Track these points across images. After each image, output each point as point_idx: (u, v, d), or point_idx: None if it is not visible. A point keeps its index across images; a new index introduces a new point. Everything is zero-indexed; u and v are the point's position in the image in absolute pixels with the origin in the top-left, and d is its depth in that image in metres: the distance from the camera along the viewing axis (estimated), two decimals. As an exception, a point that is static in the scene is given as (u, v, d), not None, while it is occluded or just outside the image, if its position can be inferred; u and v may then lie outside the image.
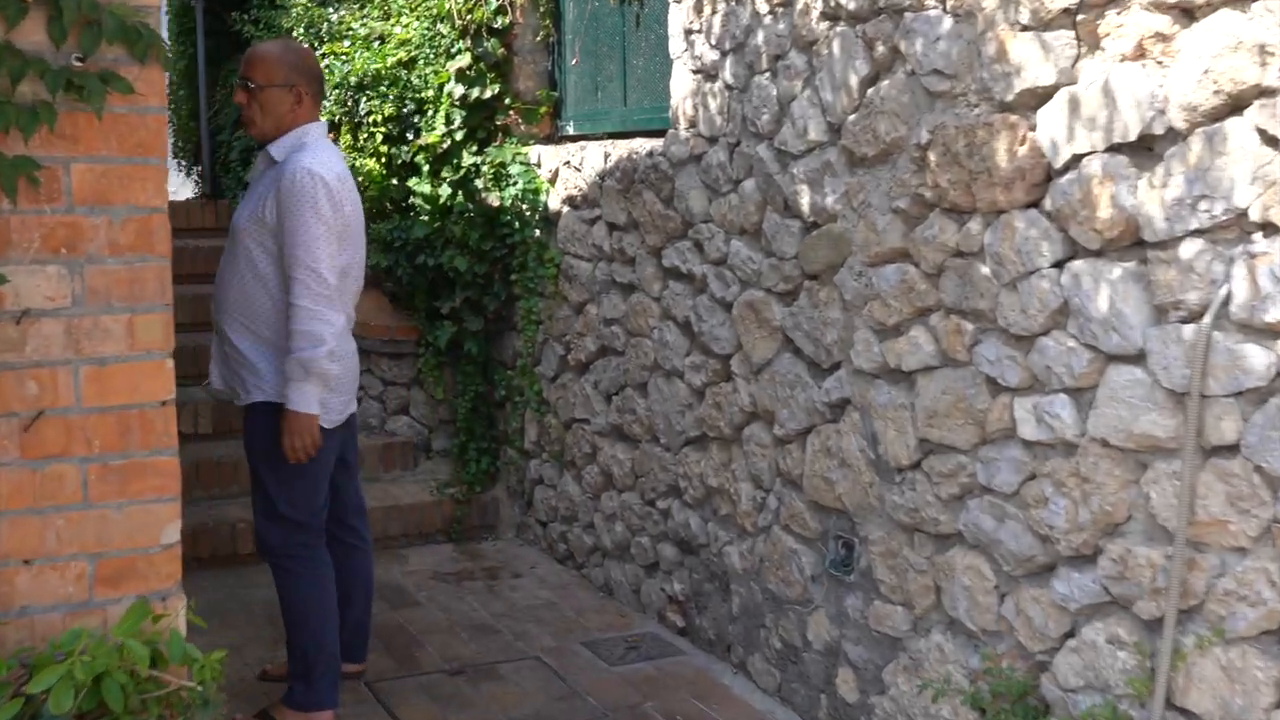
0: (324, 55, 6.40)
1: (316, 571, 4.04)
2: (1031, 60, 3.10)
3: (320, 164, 3.80)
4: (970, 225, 3.33)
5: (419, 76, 6.01)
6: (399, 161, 6.04)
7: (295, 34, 6.64)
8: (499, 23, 5.73)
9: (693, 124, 4.50)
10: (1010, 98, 3.17)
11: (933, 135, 3.40)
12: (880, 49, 3.59)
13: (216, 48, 7.83)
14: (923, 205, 3.49)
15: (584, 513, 5.46)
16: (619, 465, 5.15)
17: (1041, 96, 3.10)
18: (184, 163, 8.57)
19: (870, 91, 3.64)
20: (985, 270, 3.29)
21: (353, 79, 6.03)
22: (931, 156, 3.41)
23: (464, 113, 5.81)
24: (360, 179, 6.05)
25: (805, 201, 3.94)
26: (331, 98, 6.17)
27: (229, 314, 3.91)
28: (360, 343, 6.30)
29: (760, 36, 4.11)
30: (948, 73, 3.35)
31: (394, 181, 6.08)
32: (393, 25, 6.27)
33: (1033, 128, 3.12)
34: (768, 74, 4.09)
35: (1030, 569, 3.24)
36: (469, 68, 5.77)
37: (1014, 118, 3.17)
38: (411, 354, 6.30)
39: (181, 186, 9.00)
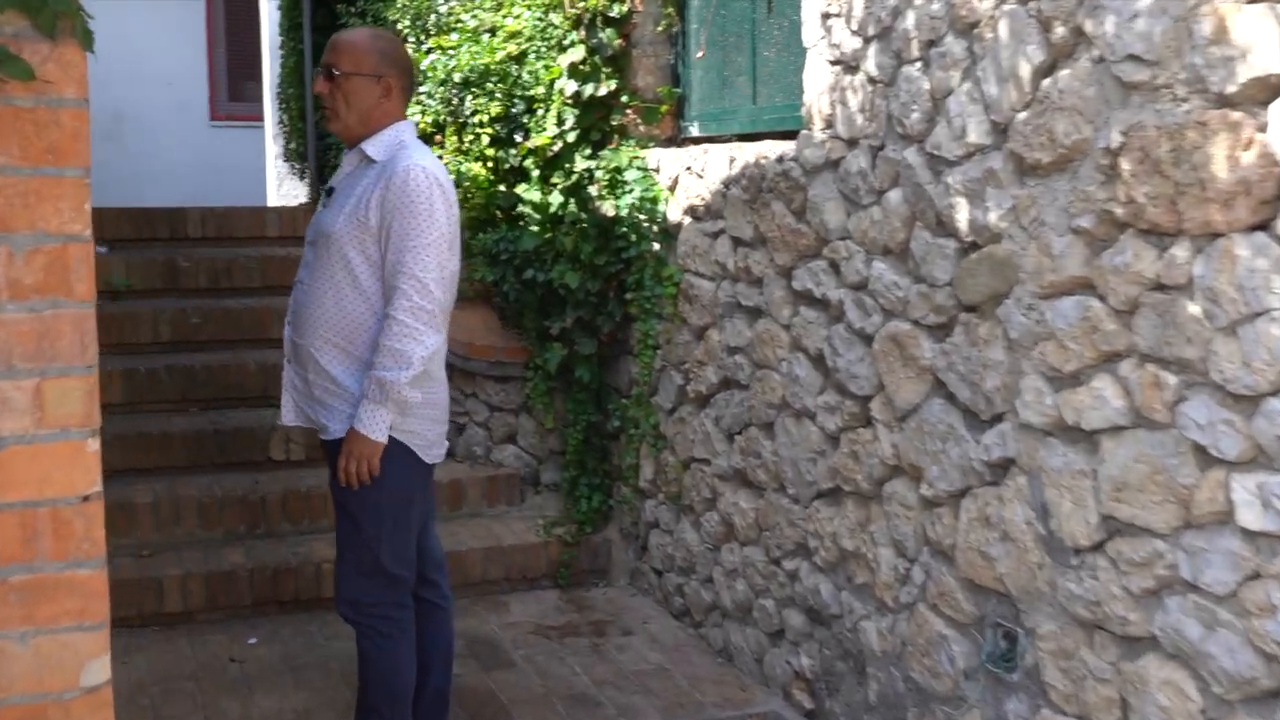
0: (429, 50, 5.93)
1: (409, 633, 3.62)
2: (1262, 40, 2.42)
3: (431, 162, 3.43)
4: (1175, 251, 2.65)
5: (529, 72, 5.48)
6: (506, 166, 5.53)
7: (399, 27, 6.18)
8: (616, 11, 5.16)
9: (829, 124, 3.88)
10: (1232, 90, 2.49)
11: (1127, 137, 2.73)
12: (1059, 30, 2.92)
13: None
14: (1112, 225, 2.81)
15: (702, 565, 4.87)
16: (741, 515, 4.54)
17: (1275, 88, 2.41)
18: (296, 166, 8.21)
19: (1046, 83, 2.98)
20: (1194, 309, 2.61)
21: (457, 75, 5.53)
22: (1124, 164, 2.74)
23: (577, 112, 5.26)
24: (465, 185, 5.55)
25: (963, 217, 3.29)
26: (436, 96, 5.69)
27: (318, 333, 3.49)
28: (465, 364, 5.84)
29: (910, 19, 3.46)
30: (1147, 59, 2.68)
31: (501, 188, 5.57)
32: (503, 16, 5.76)
33: (1262, 128, 2.44)
34: (918, 64, 3.45)
35: (1250, 693, 2.55)
36: (582, 62, 5.22)
37: (1237, 115, 2.48)
38: (519, 378, 5.79)
39: (298, 190, 8.65)
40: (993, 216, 3.17)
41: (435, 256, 3.39)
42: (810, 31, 3.99)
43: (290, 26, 7.73)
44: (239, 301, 6.60)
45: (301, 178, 8.00)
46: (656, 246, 5.04)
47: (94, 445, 1.59)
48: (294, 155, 8.04)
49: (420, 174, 3.39)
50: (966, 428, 3.35)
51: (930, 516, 3.51)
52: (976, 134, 3.22)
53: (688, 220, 4.83)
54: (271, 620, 5.02)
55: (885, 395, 3.68)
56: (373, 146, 3.52)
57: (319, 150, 7.54)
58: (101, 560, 1.63)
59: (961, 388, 3.34)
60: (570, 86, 5.24)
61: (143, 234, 7.00)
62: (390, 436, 3.47)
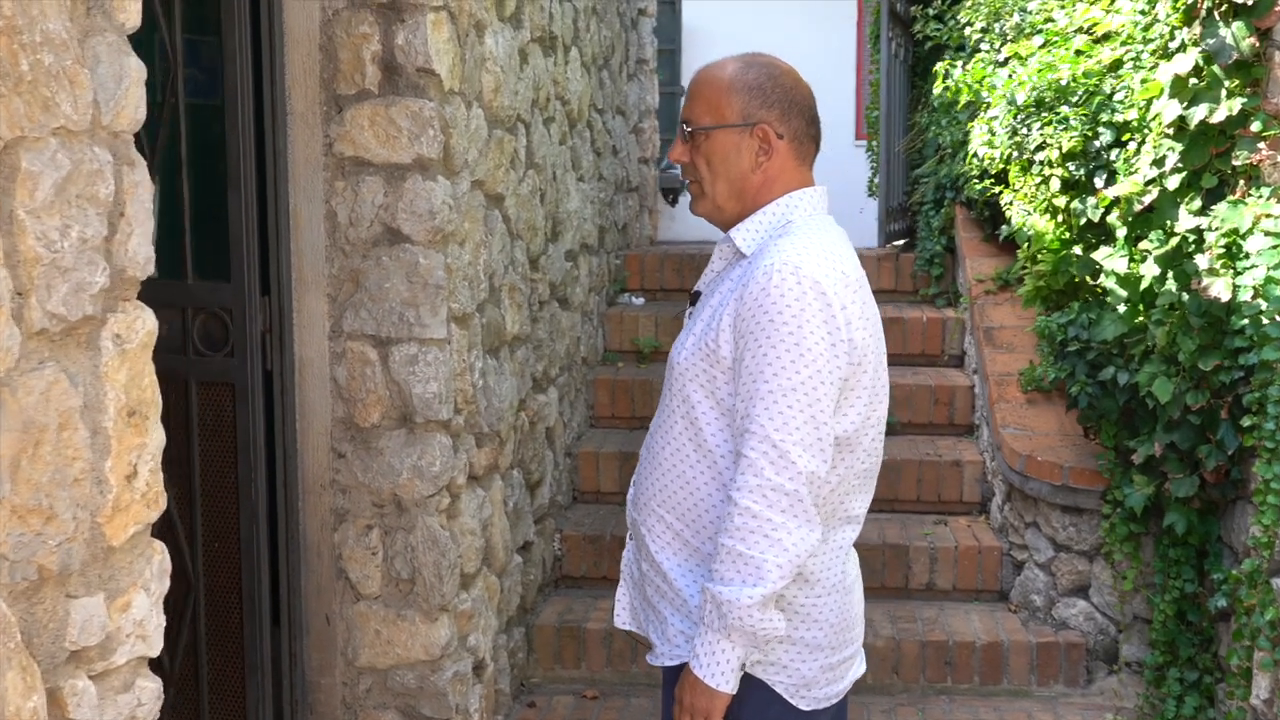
0: (1006, 60, 4.56)
1: None
2: None
3: (811, 256, 2.24)
4: None
5: (1124, 88, 3.96)
6: (1083, 220, 4.04)
7: (969, 30, 4.85)
8: (1250, -4, 3.52)
9: None
10: None
11: None
12: None
13: (929, 57, 6.24)
14: None
15: None
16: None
17: None
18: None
19: None
20: None
21: (1020, 95, 4.13)
22: None
23: (1180, 146, 3.68)
24: (1026, 244, 4.15)
25: None
26: (1001, 123, 4.32)
27: (650, 508, 2.46)
28: (1024, 484, 4.43)
29: None
30: None
31: (1075, 250, 4.10)
32: (1103, 10, 4.26)
33: None
34: None
35: None
36: (1193, 72, 3.63)
37: None
38: (1095, 511, 4.27)
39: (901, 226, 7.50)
40: None
41: (805, 408, 2.20)
42: None
43: (874, 35, 6.62)
44: (774, 371, 5.59)
45: (893, 218, 6.83)
46: (1290, 352, 3.37)
47: None
48: (874, 188, 6.91)
49: (787, 277, 2.21)
50: None
51: None
52: None
53: (1337, 319, 3.13)
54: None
55: None
56: (744, 233, 2.38)
57: (905, 184, 6.36)
58: None
59: None
60: (1171, 109, 3.67)
61: (686, 283, 6.23)
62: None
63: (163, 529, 3.65)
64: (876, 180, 7.02)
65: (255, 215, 3.33)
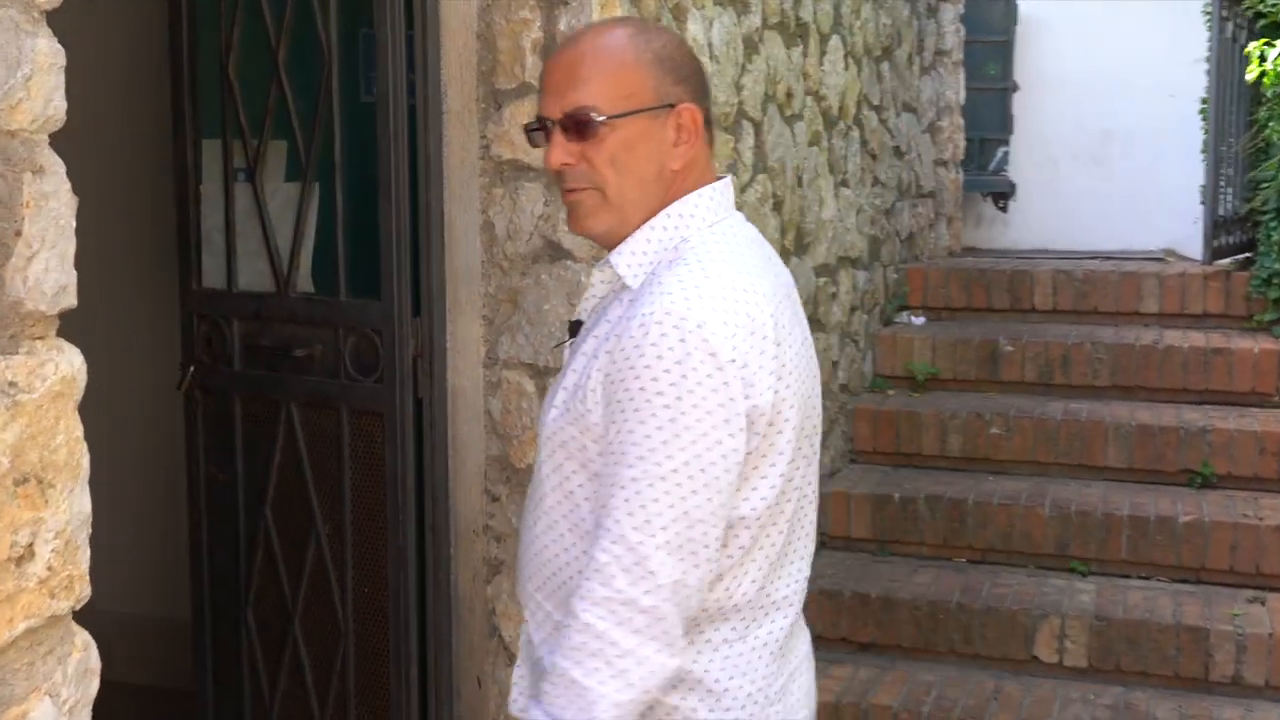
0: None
1: None
2: None
3: (705, 298, 1.70)
4: None
5: None
6: None
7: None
8: None
9: None
10: None
11: None
12: None
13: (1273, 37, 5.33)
14: None
15: None
16: None
17: None
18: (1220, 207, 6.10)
19: None
20: None
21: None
22: None
23: None
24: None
25: None
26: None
27: (525, 587, 1.98)
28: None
29: None
30: None
31: None
32: None
33: None
34: None
35: None
36: None
37: None
38: None
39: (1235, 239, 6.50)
40: None
41: (677, 502, 1.68)
42: None
43: (1207, 14, 5.68)
44: (1067, 406, 4.89)
45: (1224, 230, 5.87)
46: None
47: None
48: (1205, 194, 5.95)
49: (669, 331, 1.67)
50: None
51: None
52: None
53: None
54: None
55: None
56: (627, 257, 1.82)
57: (1216, 193, 5.49)
58: None
59: None
60: None
61: (973, 301, 5.56)
62: None
63: (315, 570, 3.39)
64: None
65: (407, 226, 3.00)
